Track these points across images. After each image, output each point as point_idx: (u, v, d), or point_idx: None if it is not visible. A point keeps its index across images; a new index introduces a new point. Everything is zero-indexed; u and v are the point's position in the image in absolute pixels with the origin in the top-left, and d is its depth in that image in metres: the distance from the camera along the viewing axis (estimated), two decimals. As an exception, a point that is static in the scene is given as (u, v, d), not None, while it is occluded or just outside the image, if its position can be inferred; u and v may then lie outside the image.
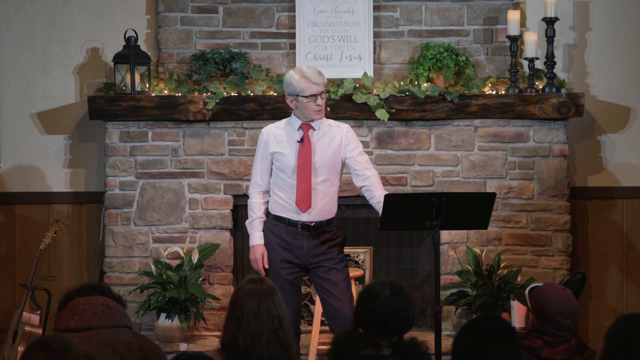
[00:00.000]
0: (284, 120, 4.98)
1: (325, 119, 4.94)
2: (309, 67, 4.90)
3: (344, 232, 4.98)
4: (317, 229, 4.84)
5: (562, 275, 5.95)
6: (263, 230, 4.93)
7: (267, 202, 4.95)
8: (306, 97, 4.80)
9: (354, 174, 4.91)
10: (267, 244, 4.90)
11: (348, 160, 4.89)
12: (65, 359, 2.97)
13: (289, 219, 4.85)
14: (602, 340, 3.10)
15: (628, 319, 3.10)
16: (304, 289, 5.93)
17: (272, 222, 4.91)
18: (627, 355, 3.00)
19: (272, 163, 4.91)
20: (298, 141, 4.84)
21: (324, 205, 4.85)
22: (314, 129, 4.87)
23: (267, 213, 4.96)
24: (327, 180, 4.86)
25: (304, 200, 4.81)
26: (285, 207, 4.85)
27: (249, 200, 5.00)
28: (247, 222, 4.98)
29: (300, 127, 4.87)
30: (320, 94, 4.81)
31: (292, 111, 5.91)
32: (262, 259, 4.88)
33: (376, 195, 4.80)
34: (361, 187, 4.90)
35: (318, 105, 4.82)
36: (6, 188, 6.36)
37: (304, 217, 4.83)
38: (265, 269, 4.89)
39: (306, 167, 4.81)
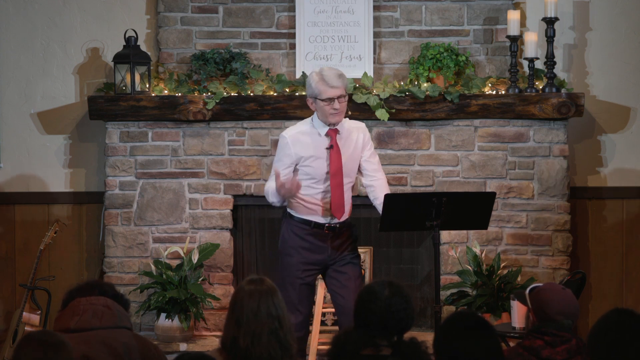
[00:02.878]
0: (305, 124, 4.87)
1: (343, 119, 4.88)
2: (330, 69, 4.82)
3: (356, 230, 4.98)
4: (340, 230, 4.84)
5: (562, 275, 5.95)
6: (284, 231, 4.88)
7: None
8: (323, 100, 4.73)
9: (363, 173, 4.91)
10: (289, 245, 4.85)
11: (362, 160, 4.88)
12: (60, 352, 2.96)
13: (315, 221, 4.81)
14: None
15: (612, 311, 3.12)
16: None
17: (296, 224, 4.84)
18: (606, 345, 3.01)
19: (295, 168, 4.84)
20: (327, 148, 4.78)
21: (348, 207, 4.86)
22: (340, 133, 4.81)
23: (288, 214, 4.89)
24: (350, 182, 4.87)
25: (339, 207, 4.79)
26: (311, 210, 4.81)
27: (266, 185, 4.89)
28: (272, 196, 4.78)
29: (327, 134, 4.79)
30: (337, 98, 4.73)
31: (291, 112, 5.91)
32: (287, 182, 4.68)
33: (379, 197, 4.80)
34: (367, 186, 4.91)
35: (334, 109, 4.72)
36: (6, 188, 6.35)
37: (332, 220, 4.81)
38: (285, 271, 4.84)
39: (339, 174, 4.78)
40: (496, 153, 6.09)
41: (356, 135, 4.86)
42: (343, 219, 4.83)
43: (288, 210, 4.89)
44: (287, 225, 4.88)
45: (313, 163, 4.79)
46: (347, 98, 4.82)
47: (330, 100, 4.73)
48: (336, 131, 4.80)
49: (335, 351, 3.29)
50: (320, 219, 4.81)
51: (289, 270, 4.84)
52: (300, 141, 4.80)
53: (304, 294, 4.81)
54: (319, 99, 4.74)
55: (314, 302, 5.65)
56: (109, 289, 3.59)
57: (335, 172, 4.77)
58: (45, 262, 6.27)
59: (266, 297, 3.32)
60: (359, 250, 6.00)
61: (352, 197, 5.04)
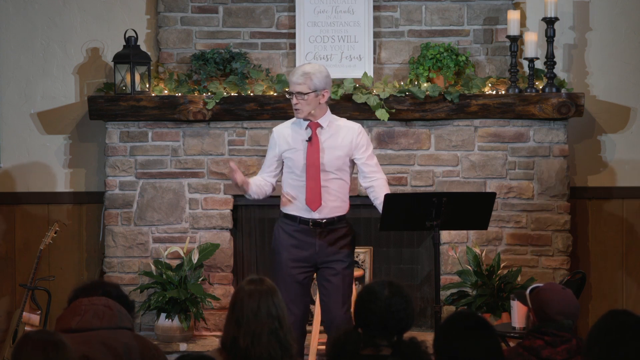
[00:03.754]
0: (293, 119, 4.94)
1: (336, 117, 4.92)
2: (305, 65, 4.89)
3: (355, 230, 4.96)
4: (328, 226, 4.83)
5: (562, 275, 5.95)
6: (275, 230, 4.94)
7: (269, 183, 4.94)
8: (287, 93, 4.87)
9: (361, 175, 4.90)
10: (278, 243, 4.89)
11: (358, 162, 4.87)
12: (60, 352, 2.95)
13: (300, 217, 4.83)
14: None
15: (608, 313, 3.11)
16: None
17: (284, 220, 4.88)
18: (605, 346, 3.01)
19: (282, 162, 4.90)
20: (306, 140, 4.81)
21: (334, 203, 4.84)
22: (322, 127, 4.83)
23: (280, 212, 4.93)
24: (337, 179, 4.85)
25: (313, 199, 4.79)
26: (297, 205, 4.83)
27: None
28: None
29: (308, 126, 4.84)
30: (295, 94, 4.78)
31: (291, 112, 5.91)
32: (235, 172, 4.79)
33: (379, 197, 4.79)
34: (367, 187, 4.90)
35: (293, 103, 4.81)
36: (6, 188, 6.35)
37: (315, 215, 4.81)
38: (277, 269, 4.86)
39: (315, 166, 4.79)
40: (496, 153, 6.09)
41: (344, 134, 4.86)
42: (325, 214, 4.81)
43: (280, 207, 4.93)
44: (278, 223, 4.93)
45: (292, 155, 4.84)
46: (317, 98, 4.79)
47: (290, 94, 4.82)
48: (317, 125, 4.83)
49: (335, 351, 3.29)
50: (304, 214, 4.82)
51: (279, 268, 4.87)
52: (283, 134, 4.89)
53: (296, 293, 4.81)
54: None
55: (312, 302, 5.65)
56: (113, 290, 3.58)
57: (310, 164, 4.79)
58: (45, 262, 6.27)
59: (266, 297, 3.32)
60: (359, 250, 6.02)
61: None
